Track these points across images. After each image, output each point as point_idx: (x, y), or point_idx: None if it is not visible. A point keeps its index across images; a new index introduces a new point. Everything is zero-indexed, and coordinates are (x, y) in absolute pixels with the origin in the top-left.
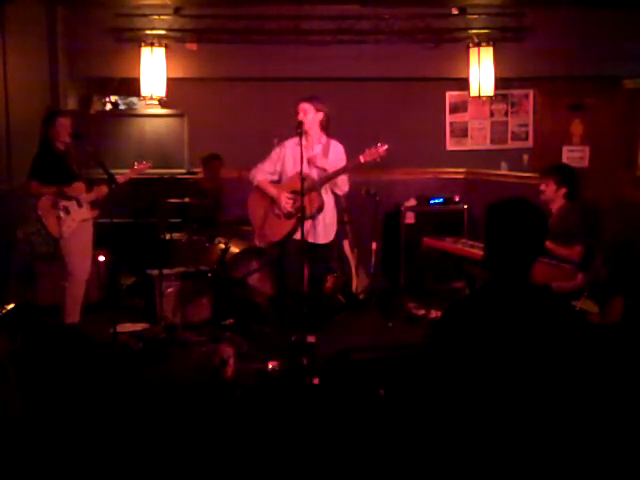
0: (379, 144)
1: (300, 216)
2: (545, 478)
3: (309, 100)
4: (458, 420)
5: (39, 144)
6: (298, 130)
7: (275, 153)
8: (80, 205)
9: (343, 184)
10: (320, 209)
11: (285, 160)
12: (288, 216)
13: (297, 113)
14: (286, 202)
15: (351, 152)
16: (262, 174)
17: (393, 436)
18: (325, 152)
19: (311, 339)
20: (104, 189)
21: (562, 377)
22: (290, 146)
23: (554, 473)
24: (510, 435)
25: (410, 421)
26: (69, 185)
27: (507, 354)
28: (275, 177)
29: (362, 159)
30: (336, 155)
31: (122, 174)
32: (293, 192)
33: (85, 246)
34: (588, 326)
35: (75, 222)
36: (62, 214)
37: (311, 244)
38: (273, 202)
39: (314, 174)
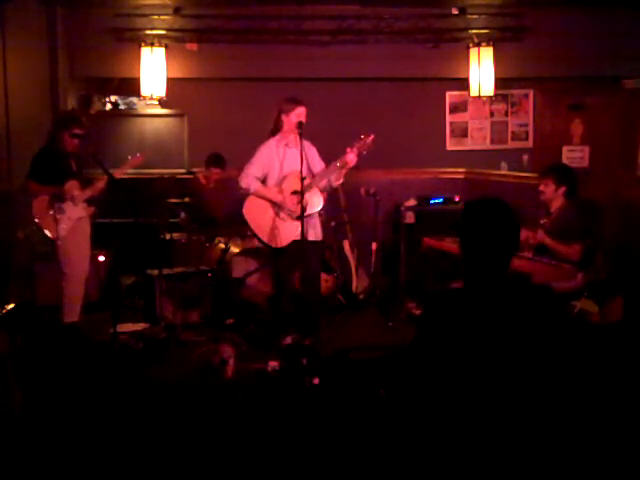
0: (363, 135)
1: (308, 215)
2: (526, 467)
3: (304, 103)
4: (440, 413)
5: (46, 142)
6: (299, 131)
7: (260, 156)
8: (75, 204)
9: (336, 179)
10: (322, 206)
11: (272, 162)
12: (295, 217)
13: (287, 114)
14: (293, 204)
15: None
16: (254, 181)
17: (393, 436)
18: (305, 152)
19: (308, 341)
20: (100, 185)
21: (538, 369)
22: (272, 147)
23: (535, 462)
24: (490, 426)
25: (399, 415)
26: (64, 184)
27: (483, 351)
28: (260, 180)
29: (355, 151)
30: (314, 155)
31: (116, 171)
32: (297, 193)
33: (82, 245)
34: (564, 320)
35: (71, 221)
36: (57, 214)
37: (313, 241)
38: (275, 206)
39: (308, 174)
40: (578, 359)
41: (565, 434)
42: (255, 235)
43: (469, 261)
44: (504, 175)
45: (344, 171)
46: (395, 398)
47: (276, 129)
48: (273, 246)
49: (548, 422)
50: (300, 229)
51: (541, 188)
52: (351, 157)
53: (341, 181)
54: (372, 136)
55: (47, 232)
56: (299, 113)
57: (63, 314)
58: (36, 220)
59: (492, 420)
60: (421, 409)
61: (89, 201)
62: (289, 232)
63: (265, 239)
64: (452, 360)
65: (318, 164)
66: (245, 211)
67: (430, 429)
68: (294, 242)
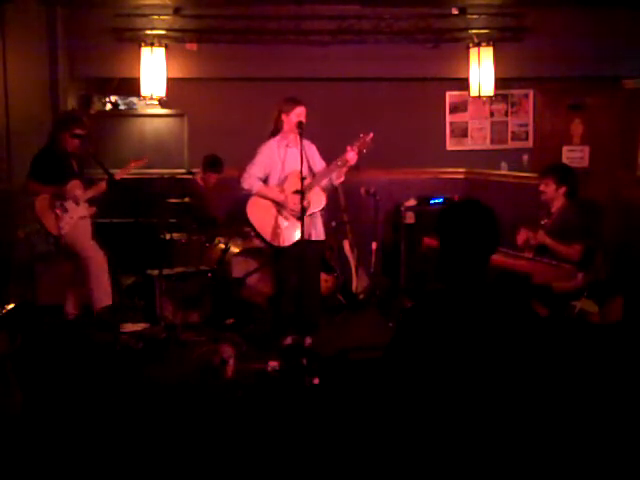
0: (362, 134)
1: (310, 214)
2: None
3: (304, 103)
4: (421, 415)
5: (46, 142)
6: (299, 131)
7: (262, 156)
8: (77, 203)
9: (337, 177)
10: (324, 205)
11: (274, 162)
12: (298, 216)
13: (287, 114)
14: (295, 204)
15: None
16: (257, 181)
17: (393, 436)
18: (305, 151)
19: (308, 341)
20: (102, 186)
21: (515, 374)
22: (273, 147)
23: (511, 466)
24: (472, 435)
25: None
26: (66, 183)
27: (461, 355)
28: (262, 180)
29: (355, 149)
30: (315, 154)
31: (117, 172)
32: (298, 192)
33: (88, 239)
34: (541, 324)
35: (73, 219)
36: (59, 212)
37: (314, 241)
38: (278, 206)
39: (309, 173)
40: (576, 359)
41: (558, 436)
42: (259, 235)
43: (447, 262)
44: (504, 175)
45: (345, 169)
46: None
47: (276, 129)
48: (276, 245)
49: (535, 424)
50: (302, 229)
51: (541, 188)
52: (352, 155)
53: (342, 179)
54: (371, 134)
55: (50, 229)
56: (299, 113)
57: (94, 301)
58: (38, 217)
59: (474, 424)
60: (402, 411)
61: (90, 201)
62: (292, 232)
63: (269, 239)
64: (431, 361)
65: (319, 163)
66: (249, 211)
67: (413, 433)
68: (297, 242)
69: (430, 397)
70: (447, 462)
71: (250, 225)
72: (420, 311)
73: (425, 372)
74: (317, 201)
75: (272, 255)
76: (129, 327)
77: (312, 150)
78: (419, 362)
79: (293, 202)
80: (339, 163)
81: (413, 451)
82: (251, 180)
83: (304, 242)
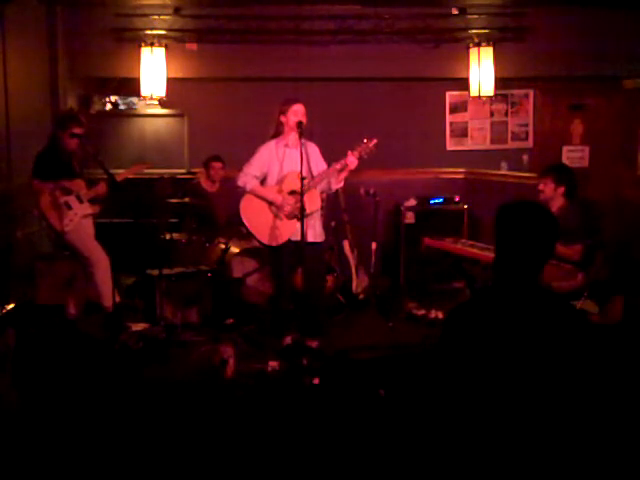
0: (365, 140)
1: (305, 215)
2: (547, 477)
3: (302, 101)
4: (464, 421)
5: (48, 143)
6: (299, 131)
7: (259, 156)
8: (81, 201)
9: (336, 182)
10: (322, 207)
11: (272, 163)
12: (291, 217)
13: (285, 114)
14: (289, 204)
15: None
16: (252, 180)
17: (393, 436)
18: (306, 152)
19: (313, 343)
20: (103, 187)
21: (567, 380)
22: (271, 148)
23: (557, 472)
24: (517, 437)
25: (414, 421)
26: (70, 180)
27: (514, 357)
28: (259, 180)
29: (356, 154)
30: (317, 156)
31: (120, 173)
32: (294, 193)
33: (91, 239)
34: (593, 330)
35: (77, 217)
36: (65, 209)
37: (311, 243)
38: (271, 205)
39: (308, 174)
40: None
41: (582, 444)
42: (250, 233)
43: (502, 265)
44: (504, 175)
45: (344, 174)
46: (410, 402)
47: (277, 132)
48: (267, 244)
49: (568, 432)
50: (297, 229)
51: (540, 187)
52: (352, 160)
53: (341, 185)
54: (375, 140)
55: (54, 226)
56: (296, 110)
57: (102, 299)
58: (43, 213)
59: (522, 424)
60: (442, 414)
61: (93, 201)
62: (285, 231)
63: (260, 237)
64: (476, 367)
65: (320, 164)
66: (242, 210)
67: (451, 433)
68: (291, 241)
69: (478, 395)
70: (493, 461)
71: (242, 223)
72: (469, 309)
73: (473, 371)
74: (312, 203)
75: (267, 254)
76: (138, 326)
77: (314, 152)
78: (467, 360)
79: (287, 202)
80: (338, 167)
81: (461, 447)
82: (246, 178)
83: (302, 243)
